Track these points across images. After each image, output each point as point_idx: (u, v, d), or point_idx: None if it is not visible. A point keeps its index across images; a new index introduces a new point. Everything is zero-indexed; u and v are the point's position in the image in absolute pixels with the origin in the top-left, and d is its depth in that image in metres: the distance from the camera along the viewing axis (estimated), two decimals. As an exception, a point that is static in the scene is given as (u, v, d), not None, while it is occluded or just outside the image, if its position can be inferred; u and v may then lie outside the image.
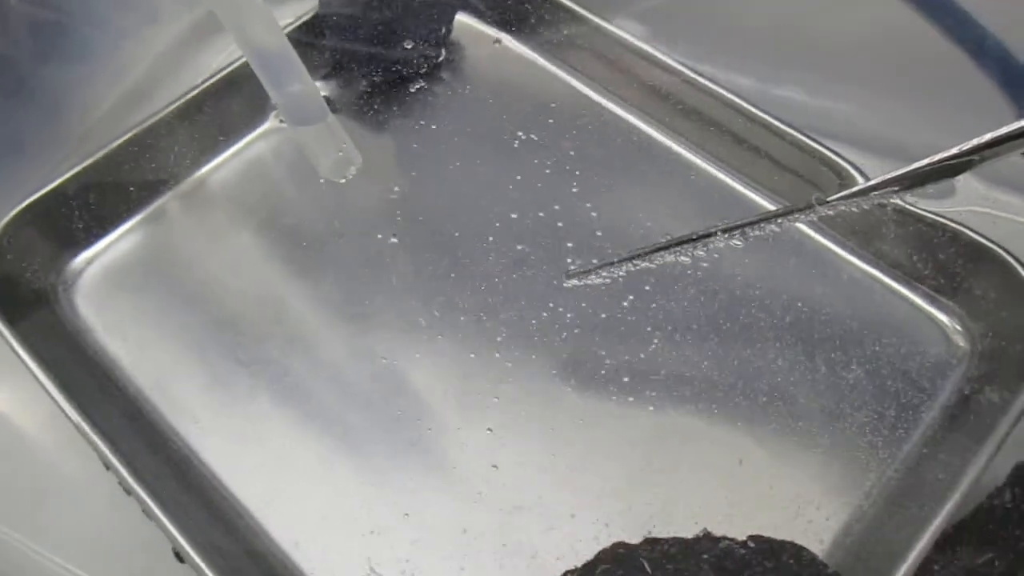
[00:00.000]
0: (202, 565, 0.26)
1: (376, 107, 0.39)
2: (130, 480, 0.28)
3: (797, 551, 0.26)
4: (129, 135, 0.36)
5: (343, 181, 0.34)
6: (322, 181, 0.36)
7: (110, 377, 0.32)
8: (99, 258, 0.36)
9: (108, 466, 0.28)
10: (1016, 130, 0.26)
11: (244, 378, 0.33)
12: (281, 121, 0.38)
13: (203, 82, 0.37)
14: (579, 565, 0.27)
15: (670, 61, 0.37)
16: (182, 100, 0.37)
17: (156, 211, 0.37)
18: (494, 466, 0.31)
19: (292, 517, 0.30)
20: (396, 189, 0.37)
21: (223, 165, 0.38)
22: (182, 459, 0.31)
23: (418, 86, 0.40)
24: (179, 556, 0.27)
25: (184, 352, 0.33)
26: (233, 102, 0.38)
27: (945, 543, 0.27)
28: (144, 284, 0.35)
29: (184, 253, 0.36)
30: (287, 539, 0.29)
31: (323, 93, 0.39)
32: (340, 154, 0.32)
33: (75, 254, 0.36)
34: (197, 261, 0.36)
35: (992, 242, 0.31)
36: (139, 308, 0.34)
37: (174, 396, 0.32)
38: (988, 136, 0.27)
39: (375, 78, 0.39)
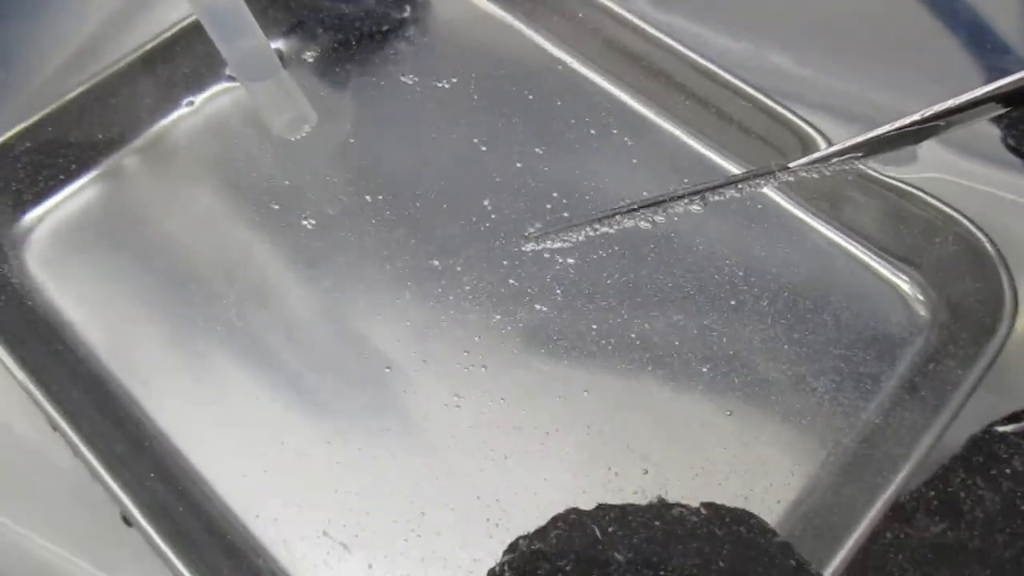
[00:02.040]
0: (148, 527, 0.26)
1: (339, 64, 0.38)
2: (77, 441, 0.27)
3: (747, 518, 0.26)
4: (82, 88, 0.35)
5: (295, 139, 0.33)
6: (275, 137, 0.35)
7: (60, 338, 0.32)
8: (50, 216, 0.35)
9: (55, 427, 0.28)
10: (983, 95, 0.26)
11: (200, 339, 0.32)
12: (231, 77, 0.37)
13: (161, 34, 0.36)
14: (531, 530, 0.27)
15: (638, 21, 0.36)
16: (139, 52, 0.36)
17: (110, 168, 0.36)
18: (454, 432, 0.30)
19: (247, 481, 0.29)
20: (358, 148, 0.36)
21: (182, 120, 0.37)
22: (134, 422, 0.30)
23: (382, 43, 0.39)
24: (127, 520, 0.27)
25: (137, 313, 0.33)
26: (193, 55, 0.37)
27: (898, 513, 0.27)
28: (97, 243, 0.34)
29: (139, 211, 0.35)
30: (240, 504, 0.29)
31: (283, 49, 0.38)
32: (293, 111, 0.31)
33: (25, 212, 0.35)
34: (152, 219, 0.35)
35: (955, 210, 0.31)
36: (91, 268, 0.34)
37: (127, 358, 0.32)
38: (954, 101, 0.26)
39: (338, 34, 0.38)
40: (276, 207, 0.35)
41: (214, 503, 0.29)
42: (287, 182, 0.35)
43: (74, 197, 0.35)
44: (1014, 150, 0.31)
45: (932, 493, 0.28)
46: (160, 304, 0.33)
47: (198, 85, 0.38)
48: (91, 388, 0.31)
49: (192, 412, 0.31)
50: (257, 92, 0.30)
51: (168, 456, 0.30)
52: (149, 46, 0.36)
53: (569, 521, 0.27)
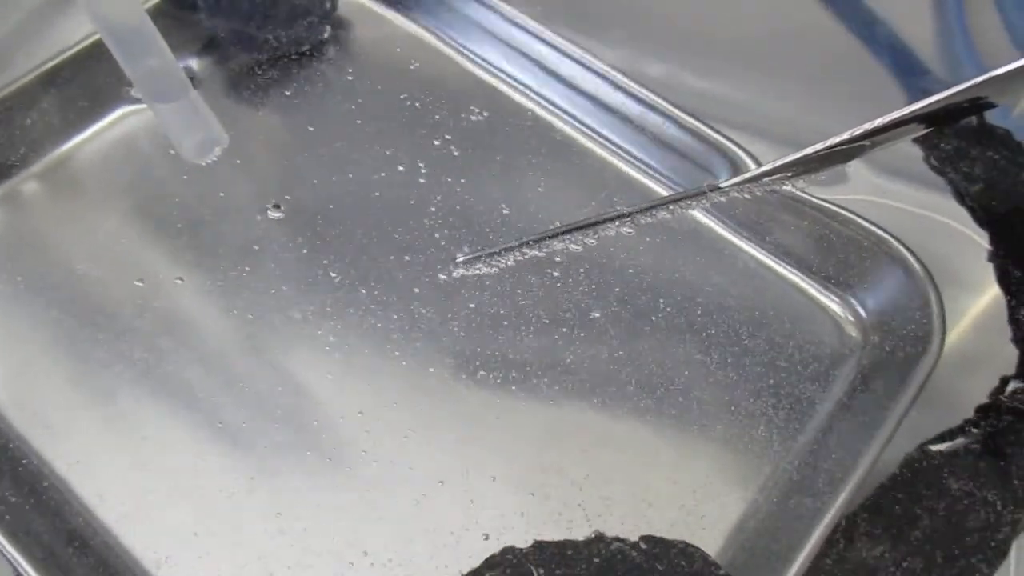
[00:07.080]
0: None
1: (255, 86, 0.37)
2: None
3: (689, 552, 0.25)
4: (-25, 106, 0.33)
5: (206, 163, 0.31)
6: (186, 161, 0.34)
7: (-52, 380, 0.29)
8: (-61, 246, 0.32)
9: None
10: (906, 115, 0.26)
11: (107, 377, 0.30)
12: (138, 98, 0.35)
13: (67, 50, 0.34)
14: (464, 572, 0.26)
15: (565, 43, 0.36)
16: (42, 69, 0.34)
17: (8, 193, 0.34)
18: (378, 467, 0.29)
19: (156, 531, 0.27)
20: (276, 173, 0.34)
21: (86, 144, 0.35)
22: (29, 469, 0.28)
23: (302, 64, 0.38)
24: (20, 580, 0.25)
25: (37, 350, 0.30)
26: (100, 73, 0.35)
27: (838, 536, 0.27)
28: (-9, 275, 0.32)
29: (39, 240, 0.33)
30: (150, 557, 0.27)
31: (195, 68, 0.37)
32: (204, 134, 0.29)
33: (-90, 242, 0.32)
34: (53, 249, 0.33)
35: (884, 231, 0.31)
36: (-16, 302, 0.31)
37: (22, 399, 0.29)
38: (879, 121, 0.26)
39: (254, 55, 0.37)
40: (188, 235, 0.33)
41: (122, 559, 0.27)
42: (200, 209, 0.33)
43: (-33, 225, 0.33)
44: (937, 170, 0.31)
45: (870, 515, 0.28)
46: (63, 340, 0.31)
47: (109, 103, 0.36)
48: (-18, 434, 0.28)
49: (98, 457, 0.28)
50: (164, 114, 0.29)
51: (69, 507, 0.27)
52: (50, 64, 0.34)
53: (504, 561, 0.25)
